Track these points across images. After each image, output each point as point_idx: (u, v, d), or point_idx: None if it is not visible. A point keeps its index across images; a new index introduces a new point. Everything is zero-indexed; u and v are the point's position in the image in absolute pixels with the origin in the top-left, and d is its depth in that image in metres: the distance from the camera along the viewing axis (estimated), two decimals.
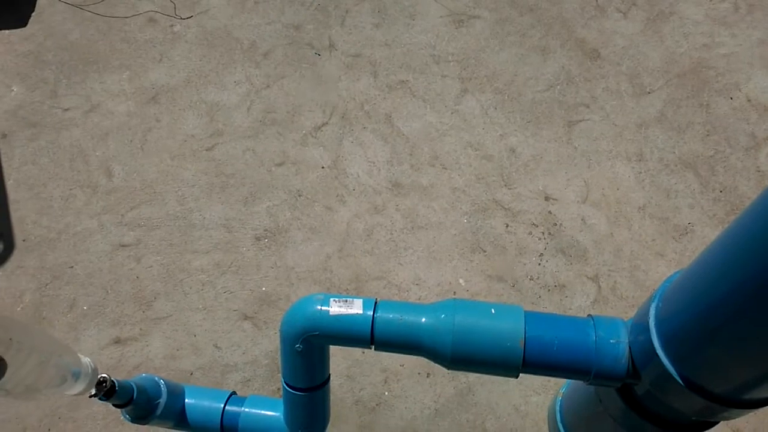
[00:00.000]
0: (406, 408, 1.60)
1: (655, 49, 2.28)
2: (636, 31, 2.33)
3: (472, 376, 1.63)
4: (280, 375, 1.65)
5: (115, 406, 1.01)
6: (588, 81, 2.19)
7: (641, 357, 0.92)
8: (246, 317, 1.74)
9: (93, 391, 0.88)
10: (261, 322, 1.73)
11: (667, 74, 2.21)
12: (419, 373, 1.65)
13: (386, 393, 1.62)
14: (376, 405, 1.61)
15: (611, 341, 0.96)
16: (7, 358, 0.50)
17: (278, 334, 1.02)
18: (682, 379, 0.84)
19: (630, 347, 0.95)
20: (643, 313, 0.94)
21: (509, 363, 0.97)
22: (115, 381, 0.94)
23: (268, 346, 1.69)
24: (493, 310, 1.00)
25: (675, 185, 1.95)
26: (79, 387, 0.81)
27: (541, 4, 2.37)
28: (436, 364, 1.64)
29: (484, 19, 2.33)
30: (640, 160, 2.00)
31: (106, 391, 0.92)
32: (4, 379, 0.50)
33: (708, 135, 2.05)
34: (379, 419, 1.58)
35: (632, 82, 2.20)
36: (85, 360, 0.81)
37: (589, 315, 1.01)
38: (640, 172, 1.98)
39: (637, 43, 2.30)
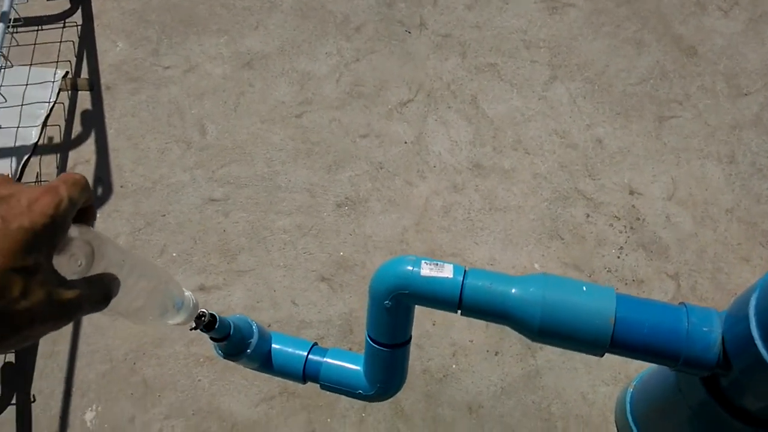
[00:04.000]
0: (472, 383, 1.63)
1: (755, 50, 2.20)
2: (737, 31, 2.25)
3: (541, 359, 1.65)
4: (351, 336, 1.71)
5: (213, 339, 1.07)
6: (682, 78, 2.14)
7: (735, 346, 0.92)
8: (323, 278, 1.80)
9: (193, 324, 0.93)
10: (336, 284, 1.79)
11: (766, 77, 2.14)
12: (488, 351, 1.67)
13: (454, 366, 1.65)
14: (443, 376, 1.64)
15: (704, 329, 0.96)
16: (120, 278, 0.54)
17: (367, 290, 1.06)
18: None
19: (723, 337, 0.95)
20: (741, 304, 0.94)
21: (597, 340, 0.98)
22: (215, 315, 1.00)
23: (342, 308, 1.75)
24: (584, 288, 1.01)
25: (767, 190, 1.89)
26: (180, 318, 0.83)
27: None
28: (505, 344, 1.67)
29: (579, 8, 2.30)
30: (731, 162, 1.95)
31: (207, 323, 0.96)
32: (116, 299, 0.54)
33: None
34: (445, 390, 1.62)
35: (729, 83, 2.13)
36: (188, 293, 0.84)
37: (681, 302, 1.01)
38: (731, 174, 1.93)
39: (737, 43, 2.22)
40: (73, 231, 0.51)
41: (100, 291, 0.48)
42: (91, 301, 0.47)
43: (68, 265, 0.49)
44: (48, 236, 0.43)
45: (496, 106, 2.11)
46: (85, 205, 0.49)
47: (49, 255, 0.43)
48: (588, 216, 1.86)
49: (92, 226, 0.53)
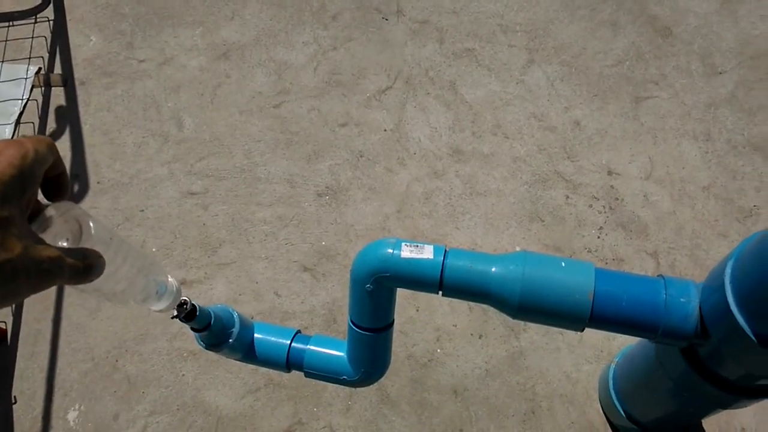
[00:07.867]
0: (457, 366, 1.63)
1: (729, 29, 2.23)
2: (711, 11, 2.27)
3: (524, 341, 1.65)
4: (335, 325, 1.71)
5: (193, 330, 1.06)
6: (658, 58, 2.15)
7: (712, 315, 0.93)
8: (305, 269, 1.79)
9: (174, 312, 0.92)
10: (319, 274, 1.78)
11: (740, 56, 2.16)
12: (471, 334, 1.67)
13: (438, 350, 1.66)
14: (428, 361, 1.64)
15: (681, 300, 0.97)
16: (106, 257, 0.53)
17: (349, 274, 1.06)
18: (755, 336, 0.84)
19: (700, 307, 0.96)
20: (717, 274, 0.94)
21: (576, 315, 0.99)
22: (196, 305, 0.98)
23: (326, 297, 1.75)
24: (563, 264, 1.02)
25: (742, 167, 1.91)
26: (162, 304, 0.82)
27: None
28: (489, 327, 1.67)
29: None
30: (707, 140, 1.97)
31: (187, 313, 0.95)
32: (100, 279, 0.53)
33: None
34: (431, 374, 1.62)
35: (704, 62, 2.15)
36: (171, 279, 0.83)
37: (659, 275, 1.02)
38: (707, 152, 1.94)
39: (711, 22, 2.24)
40: (54, 210, 0.51)
41: (82, 261, 0.48)
42: (73, 268, 0.47)
43: (53, 243, 0.49)
44: (17, 188, 0.43)
45: (474, 92, 2.11)
46: (55, 171, 0.49)
47: (21, 208, 0.43)
48: (567, 197, 1.87)
49: (67, 197, 0.53)
